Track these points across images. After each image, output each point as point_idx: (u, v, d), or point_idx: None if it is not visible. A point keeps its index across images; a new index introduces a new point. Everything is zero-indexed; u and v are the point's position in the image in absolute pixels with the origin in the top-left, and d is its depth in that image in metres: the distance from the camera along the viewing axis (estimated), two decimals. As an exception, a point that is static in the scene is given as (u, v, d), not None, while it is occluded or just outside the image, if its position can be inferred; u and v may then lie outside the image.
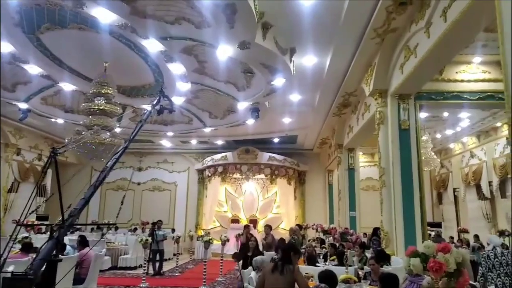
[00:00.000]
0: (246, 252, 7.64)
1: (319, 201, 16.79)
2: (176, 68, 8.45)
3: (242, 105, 10.64)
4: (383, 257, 5.47)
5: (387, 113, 7.16)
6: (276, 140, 15.52)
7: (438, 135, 13.38)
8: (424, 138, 10.21)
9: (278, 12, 6.11)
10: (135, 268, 10.94)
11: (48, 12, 6.58)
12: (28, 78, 9.37)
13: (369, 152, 15.78)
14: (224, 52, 7.19)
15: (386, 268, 5.10)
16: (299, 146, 16.47)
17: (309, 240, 10.93)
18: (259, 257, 5.46)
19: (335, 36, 6.60)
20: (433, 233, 10.43)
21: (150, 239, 9.50)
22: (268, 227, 9.88)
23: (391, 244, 6.71)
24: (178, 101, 10.33)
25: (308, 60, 7.74)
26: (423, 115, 9.03)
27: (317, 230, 12.98)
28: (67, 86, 9.89)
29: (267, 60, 7.38)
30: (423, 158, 8.74)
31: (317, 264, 6.43)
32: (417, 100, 7.15)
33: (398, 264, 5.58)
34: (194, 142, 16.07)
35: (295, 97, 9.95)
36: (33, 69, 8.73)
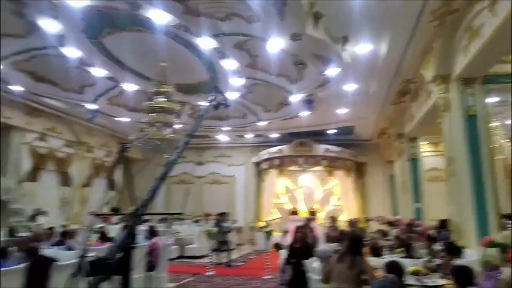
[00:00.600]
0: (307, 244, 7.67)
1: (381, 192, 16.23)
2: (229, 64, 8.62)
3: (296, 98, 10.59)
4: (454, 250, 5.22)
5: (451, 100, 6.72)
6: (332, 131, 15.23)
7: (510, 122, 12.23)
8: (494, 124, 9.44)
9: (329, 1, 5.97)
10: (201, 257, 11.36)
11: (108, 17, 7.05)
12: (94, 81, 10.07)
13: (433, 141, 14.89)
14: (276, 45, 7.20)
15: (458, 261, 4.85)
16: (356, 137, 16.02)
17: (371, 232, 10.65)
18: (322, 248, 5.49)
19: (390, 21, 6.30)
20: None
21: (215, 229, 9.78)
22: (332, 219, 9.77)
23: (462, 237, 6.33)
24: (232, 96, 10.54)
25: (362, 48, 7.46)
26: (491, 100, 8.33)
27: (380, 222, 12.63)
28: (129, 86, 10.52)
29: (319, 51, 7.27)
30: (494, 146, 8.10)
31: (383, 256, 6.30)
32: (485, 84, 6.61)
33: (470, 257, 5.27)
34: (249, 136, 16.30)
35: (349, 86, 9.66)
36: (99, 71, 9.39)
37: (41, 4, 6.38)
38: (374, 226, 13.18)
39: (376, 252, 6.38)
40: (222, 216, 10.96)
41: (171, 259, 9.62)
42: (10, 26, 7.15)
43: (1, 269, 4.58)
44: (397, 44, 7.06)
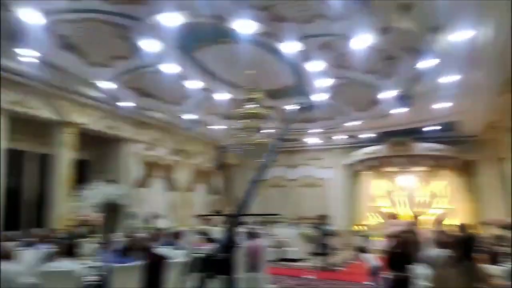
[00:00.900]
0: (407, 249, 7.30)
1: (494, 193, 14.45)
2: (316, 66, 8.61)
3: (388, 94, 10.11)
4: None
5: None
6: (432, 128, 14.09)
7: None
8: None
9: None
10: (299, 260, 11.38)
11: (200, 33, 7.61)
12: (191, 92, 10.84)
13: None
14: (363, 41, 7.00)
15: None
16: (461, 133, 14.56)
17: (485, 237, 9.62)
18: (430, 253, 5.23)
19: (491, 2, 5.66)
20: None
21: (313, 232, 9.73)
22: (440, 222, 9.17)
23: None
24: (320, 97, 10.47)
25: (459, 35, 6.80)
26: None
27: (497, 226, 11.31)
28: (222, 95, 11.14)
29: (410, 43, 6.91)
30: None
31: (501, 263, 5.73)
32: None
33: None
34: (341, 137, 15.94)
35: (448, 78, 8.87)
36: (194, 84, 10.13)
37: (141, 27, 7.16)
38: (490, 230, 11.86)
39: (493, 258, 5.96)
40: (322, 219, 10.84)
41: (271, 261, 9.88)
42: (117, 49, 8.20)
43: (122, 265, 5.27)
44: (503, 27, 6.31)
